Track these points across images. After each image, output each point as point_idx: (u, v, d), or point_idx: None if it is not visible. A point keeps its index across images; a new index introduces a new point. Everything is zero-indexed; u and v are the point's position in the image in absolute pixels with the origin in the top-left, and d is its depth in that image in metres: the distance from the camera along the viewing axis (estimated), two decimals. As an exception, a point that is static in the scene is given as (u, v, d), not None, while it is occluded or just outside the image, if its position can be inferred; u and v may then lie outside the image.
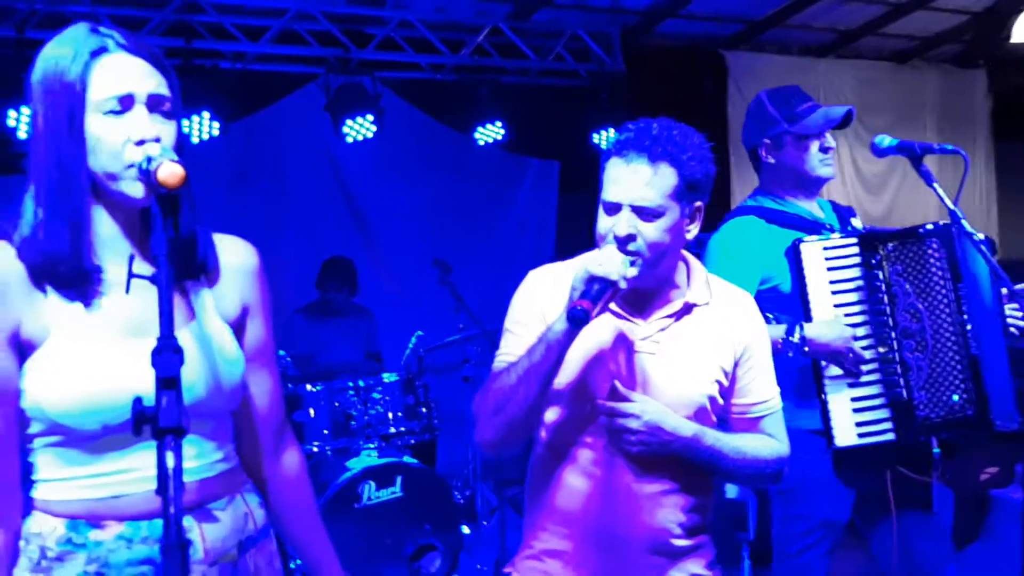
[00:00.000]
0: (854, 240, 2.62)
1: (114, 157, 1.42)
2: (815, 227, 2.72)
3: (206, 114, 5.05)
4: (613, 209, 1.84)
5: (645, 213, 1.82)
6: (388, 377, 4.70)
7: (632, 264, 1.80)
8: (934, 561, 2.74)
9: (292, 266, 5.92)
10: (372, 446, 4.44)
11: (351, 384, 4.59)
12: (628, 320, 1.94)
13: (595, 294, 1.73)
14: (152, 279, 1.29)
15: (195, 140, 5.09)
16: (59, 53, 1.45)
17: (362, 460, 4.28)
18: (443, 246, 5.74)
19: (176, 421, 1.17)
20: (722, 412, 2.00)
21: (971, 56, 7.75)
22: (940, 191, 2.71)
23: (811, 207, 2.80)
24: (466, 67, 6.02)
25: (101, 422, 1.42)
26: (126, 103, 1.43)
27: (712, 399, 1.96)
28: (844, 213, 2.87)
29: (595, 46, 6.31)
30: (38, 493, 1.48)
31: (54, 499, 1.46)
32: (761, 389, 2.02)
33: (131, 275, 1.37)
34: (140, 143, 1.41)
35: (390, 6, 5.70)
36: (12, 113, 4.67)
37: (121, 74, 1.44)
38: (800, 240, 2.61)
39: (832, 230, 2.73)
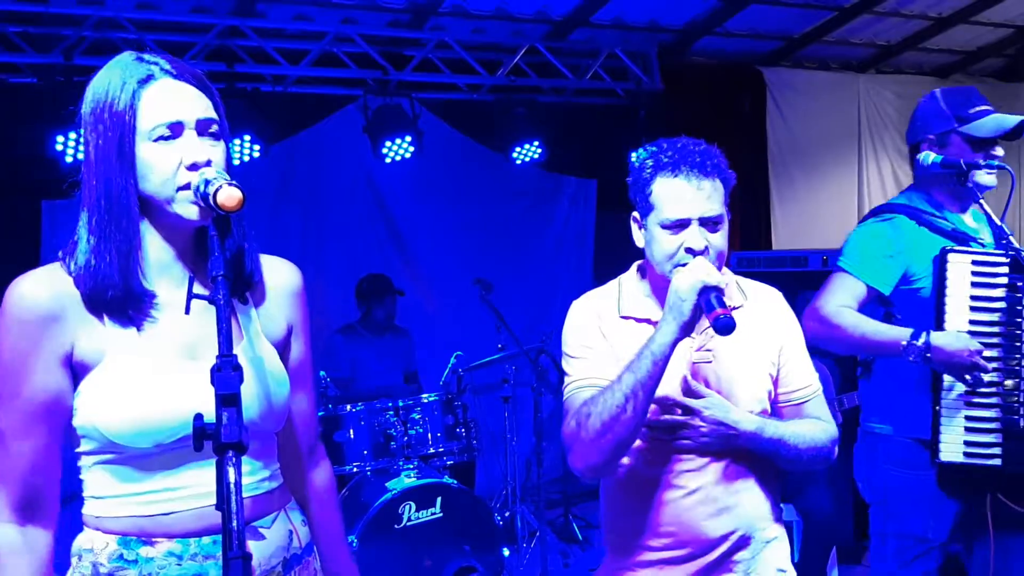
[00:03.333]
0: (1005, 259, 2.56)
1: (166, 182, 1.44)
2: (966, 240, 2.65)
3: (247, 137, 5.12)
4: (680, 226, 1.92)
5: (712, 223, 1.92)
6: (427, 397, 4.71)
7: None
8: None
9: (331, 286, 5.96)
10: (412, 467, 4.44)
11: (391, 404, 4.61)
12: None
13: (721, 302, 1.81)
14: (210, 299, 1.31)
15: (236, 162, 5.15)
16: (108, 83, 1.47)
17: (402, 481, 4.28)
18: (481, 265, 5.76)
19: (237, 437, 1.20)
20: (774, 403, 2.06)
21: (1015, 70, 7.63)
22: (987, 207, 2.66)
23: (967, 219, 2.73)
24: (503, 87, 6.04)
25: (154, 441, 1.44)
26: (176, 129, 1.45)
27: (769, 393, 2.04)
28: (999, 230, 2.74)
29: (632, 65, 6.30)
30: (89, 510, 1.51)
31: (105, 516, 1.49)
32: (802, 375, 2.08)
33: (191, 296, 1.39)
34: (193, 167, 1.44)
35: (427, 28, 5.74)
36: (60, 138, 4.76)
37: (169, 101, 1.46)
38: (950, 249, 2.55)
39: (983, 245, 2.66)
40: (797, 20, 6.29)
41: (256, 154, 5.20)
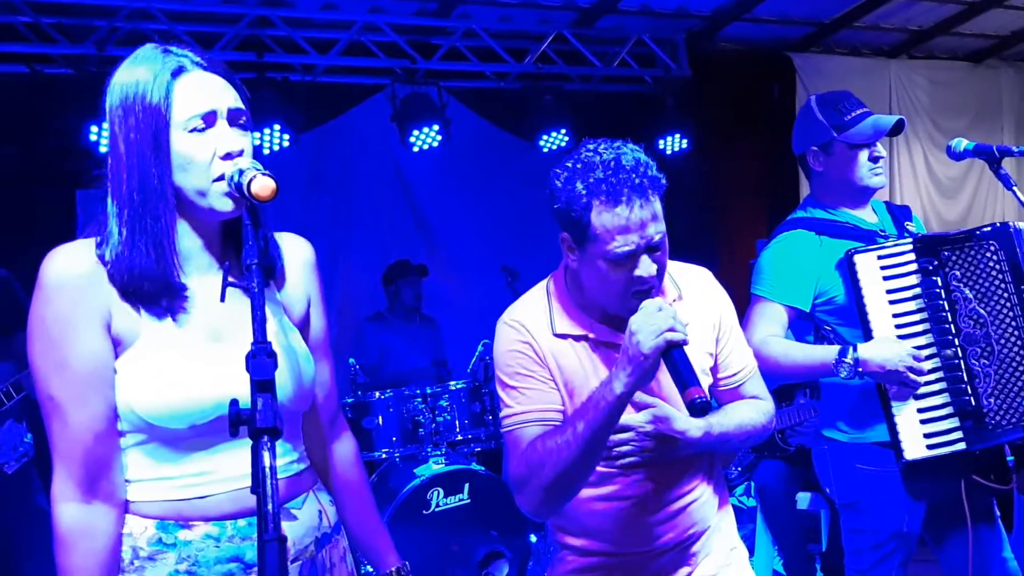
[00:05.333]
0: (909, 246, 2.56)
1: (203, 172, 1.46)
2: (868, 236, 2.65)
3: (276, 126, 5.16)
4: (630, 258, 1.77)
5: (658, 245, 1.79)
6: (455, 385, 4.73)
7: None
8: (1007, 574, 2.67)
9: (360, 274, 6.00)
10: (440, 453, 4.48)
11: (419, 392, 4.64)
12: (618, 344, 1.88)
13: (688, 369, 1.69)
14: (245, 287, 1.33)
15: (266, 151, 5.20)
16: (137, 77, 1.48)
17: (430, 467, 4.32)
18: (508, 254, 5.77)
19: (272, 422, 1.21)
20: (714, 387, 2.01)
21: (1050, 54, 7.52)
22: (1020, 194, 2.64)
23: (863, 213, 2.73)
24: (530, 75, 6.03)
25: (189, 422, 1.46)
26: (209, 119, 1.47)
27: (710, 385, 1.99)
28: (899, 215, 2.78)
29: (660, 52, 6.27)
30: (127, 494, 1.52)
31: (143, 500, 1.51)
32: (740, 357, 2.03)
33: (226, 283, 1.41)
34: (227, 157, 1.45)
35: (455, 16, 5.75)
36: (94, 128, 4.82)
37: (202, 91, 1.48)
38: (853, 251, 2.55)
39: (886, 236, 2.66)
40: (827, 5, 6.22)
41: (286, 143, 5.24)
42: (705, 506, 1.97)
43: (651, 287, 1.80)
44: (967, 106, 7.25)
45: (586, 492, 1.89)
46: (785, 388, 4.41)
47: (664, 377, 1.87)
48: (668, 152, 6.17)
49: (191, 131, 1.46)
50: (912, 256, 2.54)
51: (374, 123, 5.89)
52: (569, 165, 1.83)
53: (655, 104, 6.22)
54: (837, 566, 4.25)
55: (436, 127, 5.62)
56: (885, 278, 2.53)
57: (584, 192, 1.77)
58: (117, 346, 1.47)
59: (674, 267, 1.97)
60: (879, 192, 2.78)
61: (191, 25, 5.23)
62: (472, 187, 6.36)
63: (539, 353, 1.88)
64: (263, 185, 1.36)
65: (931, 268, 2.52)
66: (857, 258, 2.53)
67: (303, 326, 1.68)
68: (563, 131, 5.91)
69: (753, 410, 1.99)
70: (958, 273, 2.52)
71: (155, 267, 1.46)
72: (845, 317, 2.60)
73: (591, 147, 1.83)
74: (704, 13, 6.15)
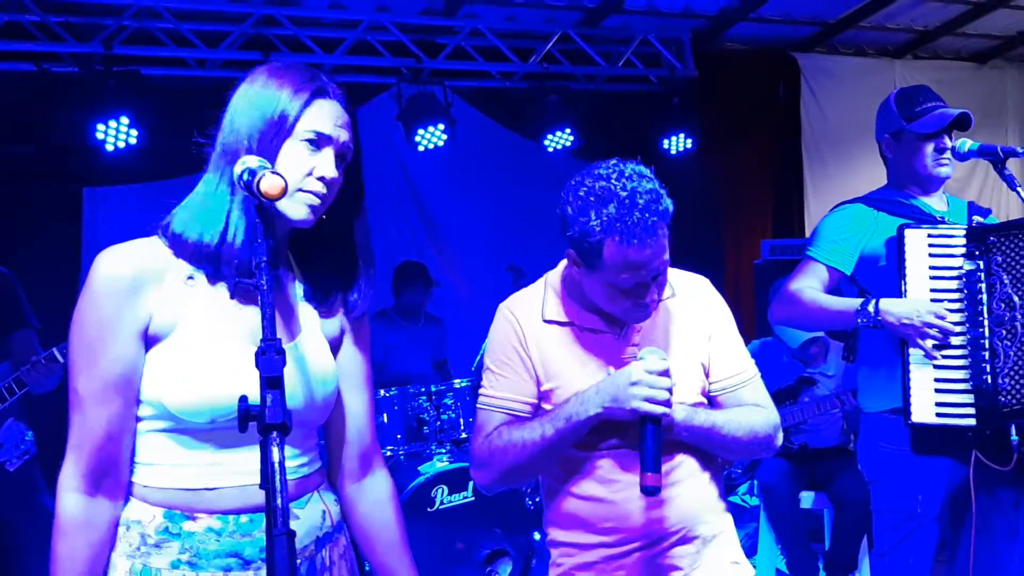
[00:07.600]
0: (962, 230, 2.66)
1: (293, 180, 1.52)
2: (927, 218, 2.78)
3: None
4: (640, 289, 1.86)
5: (663, 270, 1.88)
6: (460, 383, 4.75)
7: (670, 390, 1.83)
8: (1011, 555, 2.71)
9: (365, 273, 5.98)
10: (444, 451, 4.49)
11: (424, 390, 4.66)
12: (608, 333, 1.98)
13: (652, 453, 1.78)
14: (254, 285, 1.36)
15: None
16: (283, 85, 1.57)
17: (434, 465, 4.34)
18: (513, 253, 5.77)
19: (281, 418, 1.24)
20: (707, 393, 2.03)
21: (1056, 55, 7.50)
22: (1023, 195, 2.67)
23: (933, 202, 2.86)
24: (536, 75, 6.04)
25: (210, 417, 1.50)
26: (323, 141, 1.56)
27: (704, 385, 2.01)
28: (973, 212, 2.89)
29: (665, 51, 6.28)
30: (137, 478, 1.55)
31: (153, 486, 1.54)
32: (734, 361, 2.05)
33: (237, 281, 1.47)
34: (321, 179, 1.54)
35: (461, 16, 5.76)
36: (100, 127, 4.84)
37: (330, 117, 1.57)
38: (905, 225, 2.68)
39: (945, 222, 2.76)
40: (832, 5, 6.22)
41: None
42: (693, 507, 1.96)
43: (652, 306, 1.90)
44: (971, 107, 7.09)
45: (572, 475, 1.96)
46: (789, 387, 4.43)
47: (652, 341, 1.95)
48: (673, 152, 6.18)
49: (302, 140, 1.55)
50: (962, 240, 2.64)
51: (380, 122, 5.89)
52: (583, 193, 1.85)
53: (660, 104, 6.23)
54: (840, 565, 4.28)
55: (441, 126, 5.63)
56: (931, 255, 2.65)
57: (598, 227, 1.79)
58: (154, 342, 1.52)
59: (673, 272, 2.03)
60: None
61: (197, 24, 5.24)
62: (477, 186, 6.36)
63: (522, 341, 1.98)
64: (272, 184, 1.39)
65: (977, 253, 2.62)
66: (907, 232, 2.66)
67: (335, 346, 1.72)
68: (568, 131, 5.92)
69: (751, 413, 2.00)
70: (1000, 258, 2.61)
71: (211, 238, 1.51)
72: (886, 286, 2.71)
73: (605, 172, 1.85)
74: (710, 13, 6.15)
